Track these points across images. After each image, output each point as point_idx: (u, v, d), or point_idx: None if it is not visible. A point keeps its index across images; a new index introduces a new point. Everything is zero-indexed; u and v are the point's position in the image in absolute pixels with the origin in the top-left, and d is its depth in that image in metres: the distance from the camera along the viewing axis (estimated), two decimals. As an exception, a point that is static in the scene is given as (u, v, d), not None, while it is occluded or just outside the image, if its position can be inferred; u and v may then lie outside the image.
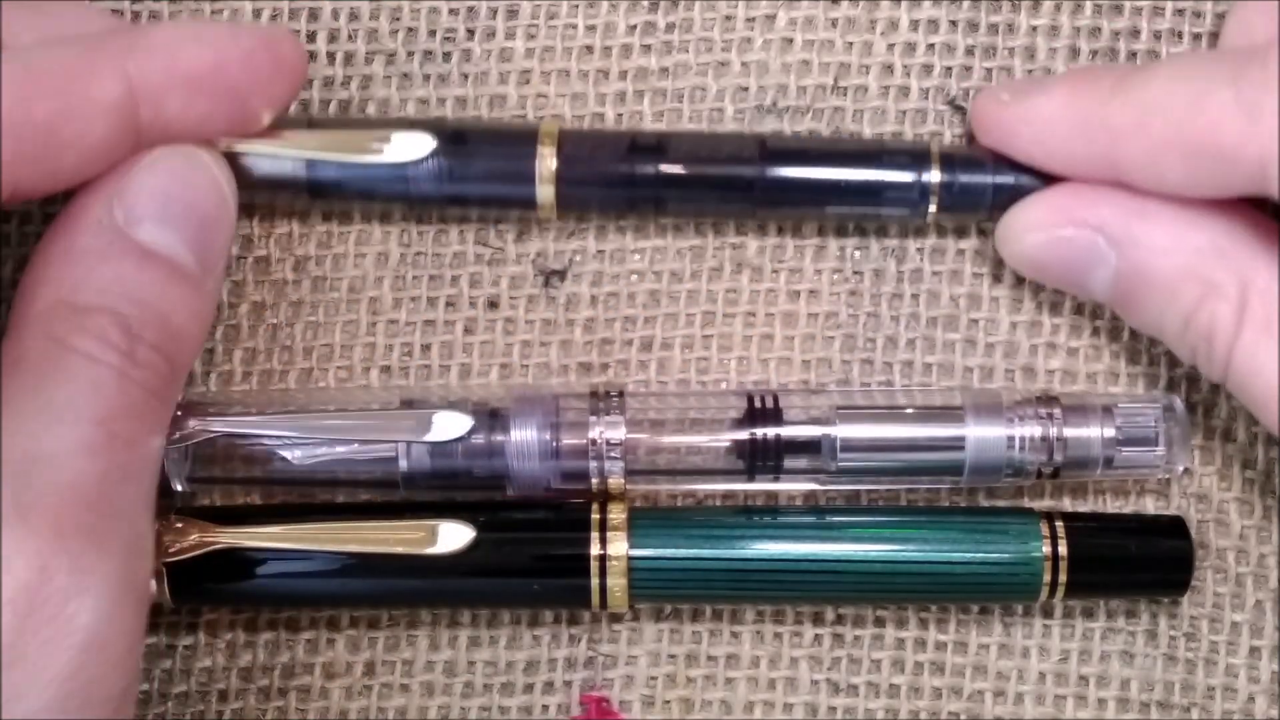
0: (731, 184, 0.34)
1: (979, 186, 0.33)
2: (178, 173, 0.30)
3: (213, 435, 0.32)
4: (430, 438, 0.32)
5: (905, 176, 0.33)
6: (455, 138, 0.33)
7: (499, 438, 0.33)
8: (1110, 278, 0.32)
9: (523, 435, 0.32)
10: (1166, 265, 0.32)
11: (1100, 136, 0.31)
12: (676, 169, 0.33)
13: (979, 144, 0.34)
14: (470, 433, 0.32)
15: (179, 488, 0.33)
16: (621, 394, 0.33)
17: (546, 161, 0.33)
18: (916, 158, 0.33)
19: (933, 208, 0.33)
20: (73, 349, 0.28)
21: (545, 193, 0.33)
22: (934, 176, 0.33)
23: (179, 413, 0.32)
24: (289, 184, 0.33)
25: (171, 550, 0.32)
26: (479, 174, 0.33)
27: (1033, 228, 0.33)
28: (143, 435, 0.29)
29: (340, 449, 0.33)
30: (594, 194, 0.34)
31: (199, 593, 0.33)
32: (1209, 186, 0.30)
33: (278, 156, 0.33)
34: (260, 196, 0.34)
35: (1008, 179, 0.33)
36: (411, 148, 0.33)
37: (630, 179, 0.34)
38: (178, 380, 0.30)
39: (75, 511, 0.27)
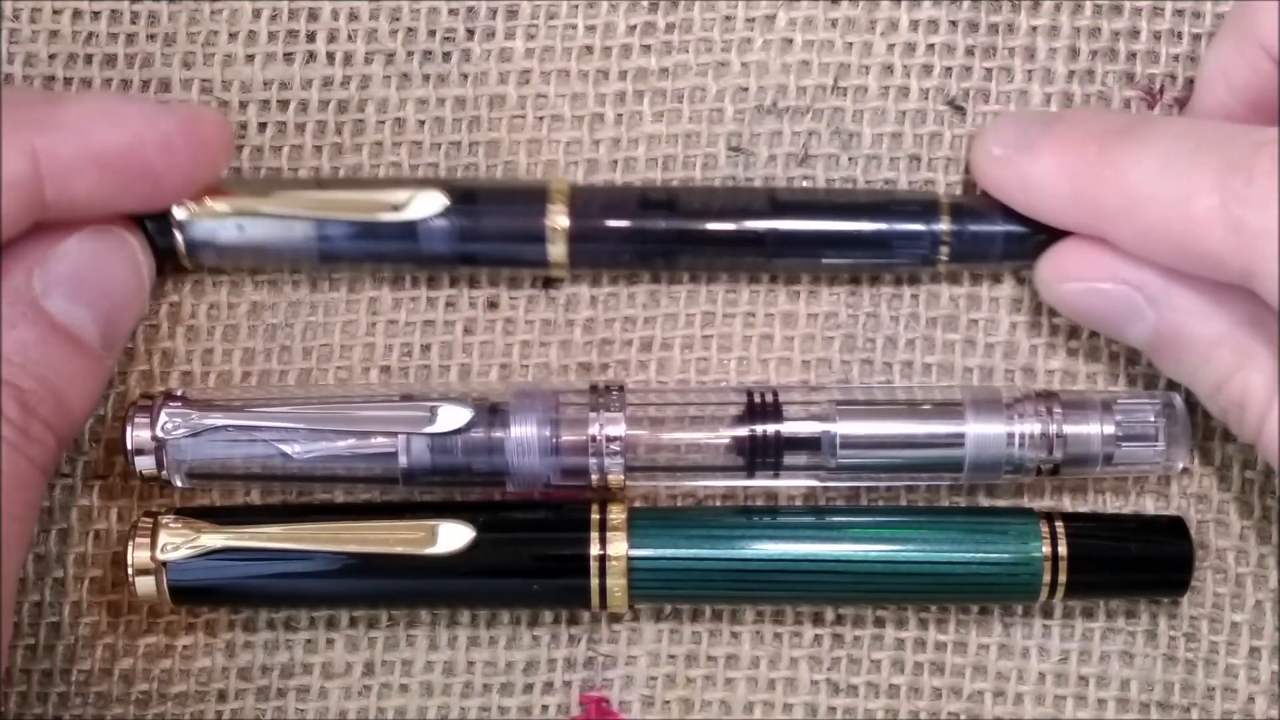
0: (743, 238, 0.34)
1: (989, 235, 0.33)
2: (100, 252, 0.31)
3: (213, 428, 0.32)
4: (430, 429, 0.32)
5: (916, 227, 0.33)
6: (465, 197, 0.33)
7: (499, 433, 0.32)
8: (1148, 332, 0.32)
9: (522, 431, 0.32)
10: (1203, 331, 0.31)
11: (1091, 213, 0.31)
12: (687, 224, 0.33)
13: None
14: (470, 425, 0.32)
15: (179, 484, 0.33)
16: (621, 390, 0.33)
17: (558, 220, 0.33)
18: (926, 208, 0.33)
19: (944, 257, 0.34)
20: None
21: (558, 251, 0.33)
22: (944, 226, 0.33)
23: (180, 406, 0.32)
24: (300, 251, 0.33)
25: (171, 550, 0.32)
26: (490, 234, 0.33)
27: (1070, 277, 0.33)
28: (24, 509, 0.29)
29: (340, 442, 0.32)
30: (606, 250, 0.34)
31: (198, 593, 0.33)
32: (1199, 274, 0.30)
33: (286, 217, 0.33)
34: (269, 262, 0.34)
35: (1018, 227, 0.33)
36: (423, 207, 0.33)
37: (642, 234, 0.34)
38: (59, 456, 0.31)
39: None
